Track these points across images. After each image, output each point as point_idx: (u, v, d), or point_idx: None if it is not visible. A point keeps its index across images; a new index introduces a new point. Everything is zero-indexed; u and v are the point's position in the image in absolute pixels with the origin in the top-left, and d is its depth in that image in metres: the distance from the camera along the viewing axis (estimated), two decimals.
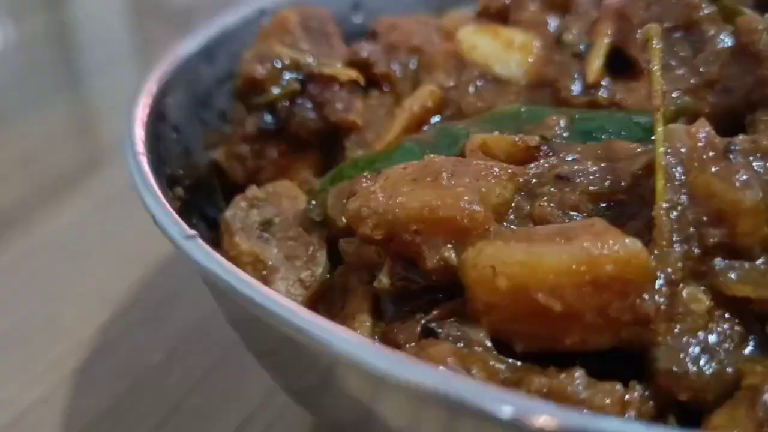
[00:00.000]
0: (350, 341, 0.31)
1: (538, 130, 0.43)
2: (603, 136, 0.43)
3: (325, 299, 0.45)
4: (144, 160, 0.40)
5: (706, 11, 0.46)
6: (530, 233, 0.36)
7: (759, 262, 0.34)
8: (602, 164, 0.39)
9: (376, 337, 0.40)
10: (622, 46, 0.48)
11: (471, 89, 0.51)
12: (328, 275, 0.46)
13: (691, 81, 0.45)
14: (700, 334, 0.33)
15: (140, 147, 0.41)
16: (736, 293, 0.33)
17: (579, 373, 0.32)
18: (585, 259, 0.32)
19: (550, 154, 0.41)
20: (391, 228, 0.37)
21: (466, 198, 0.36)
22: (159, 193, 0.37)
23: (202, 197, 0.52)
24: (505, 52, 0.51)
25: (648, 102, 0.44)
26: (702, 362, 0.32)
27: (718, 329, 0.33)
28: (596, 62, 0.48)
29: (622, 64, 0.48)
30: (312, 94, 0.53)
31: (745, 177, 0.34)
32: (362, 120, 0.52)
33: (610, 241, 0.32)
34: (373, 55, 0.55)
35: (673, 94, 0.45)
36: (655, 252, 0.33)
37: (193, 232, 0.35)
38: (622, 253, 0.32)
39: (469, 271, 0.35)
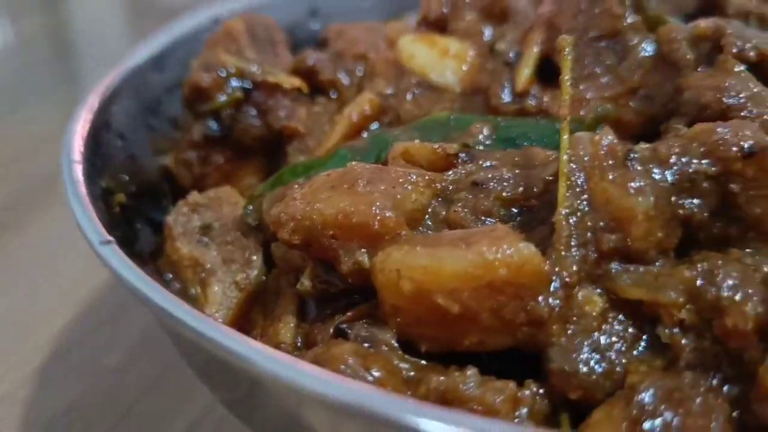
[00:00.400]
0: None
1: (463, 137, 0.45)
2: (525, 143, 0.44)
3: (259, 301, 0.47)
4: (78, 169, 0.42)
5: (629, 20, 0.47)
6: (437, 238, 0.37)
7: (653, 266, 0.35)
8: (517, 171, 0.41)
9: (299, 337, 0.41)
10: (550, 55, 0.49)
11: (409, 97, 0.53)
12: (264, 278, 0.48)
13: (614, 89, 0.47)
14: (594, 335, 0.34)
15: (77, 155, 0.43)
16: (629, 296, 0.35)
17: (471, 372, 0.34)
18: (481, 263, 0.34)
19: (468, 161, 0.42)
20: (309, 233, 0.39)
21: (378, 204, 0.38)
22: (87, 200, 0.39)
23: (150, 202, 0.53)
24: (441, 60, 0.52)
25: (575, 110, 0.45)
26: (593, 362, 0.34)
27: (612, 330, 0.35)
28: (525, 71, 0.49)
29: (552, 73, 0.50)
30: (256, 102, 0.54)
31: (639, 184, 0.36)
32: (304, 127, 0.53)
33: (505, 246, 0.34)
34: (318, 62, 0.56)
35: (598, 102, 0.47)
36: (553, 256, 0.35)
37: (109, 238, 0.36)
38: (515, 258, 0.33)
39: (378, 275, 0.36)
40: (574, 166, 0.37)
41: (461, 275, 0.34)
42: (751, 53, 0.43)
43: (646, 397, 0.31)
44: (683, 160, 0.36)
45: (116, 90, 0.52)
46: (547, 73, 0.50)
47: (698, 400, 0.32)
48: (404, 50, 0.54)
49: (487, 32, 0.53)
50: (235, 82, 0.54)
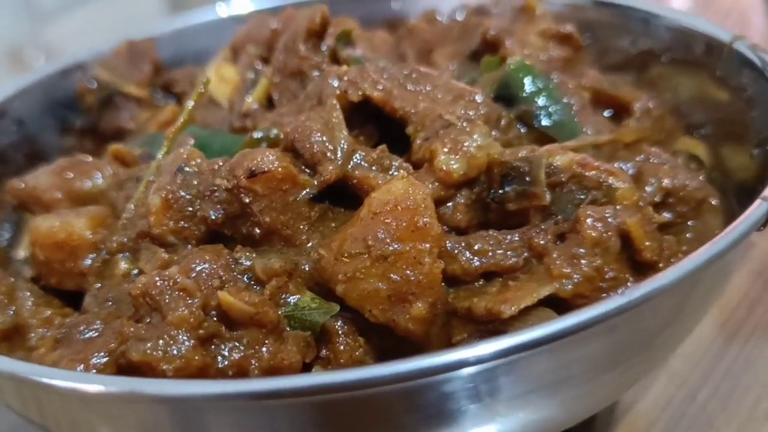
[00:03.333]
0: None
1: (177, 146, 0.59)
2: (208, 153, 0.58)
3: None
4: None
5: (312, 61, 0.58)
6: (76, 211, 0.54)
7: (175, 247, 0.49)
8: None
9: None
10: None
11: (199, 109, 0.68)
12: None
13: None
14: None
15: None
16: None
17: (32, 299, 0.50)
18: (51, 229, 0.50)
19: (145, 161, 0.57)
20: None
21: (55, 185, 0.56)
22: None
23: None
24: (218, 83, 0.67)
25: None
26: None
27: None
28: (248, 98, 0.62)
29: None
30: (115, 104, 0.73)
31: (161, 189, 0.49)
32: (136, 126, 0.71)
33: (68, 218, 0.50)
34: (168, 79, 0.74)
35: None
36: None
37: None
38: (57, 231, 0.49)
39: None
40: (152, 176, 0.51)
41: (46, 234, 0.50)
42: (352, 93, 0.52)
43: None
44: (211, 175, 0.49)
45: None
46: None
47: None
48: (209, 72, 0.69)
49: (258, 65, 0.66)
50: (102, 91, 0.74)
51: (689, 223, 0.54)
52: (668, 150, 0.60)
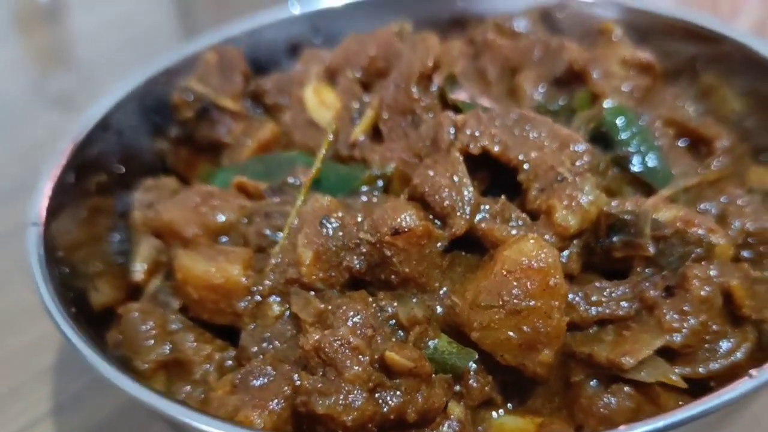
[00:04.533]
0: None
1: (286, 174, 0.64)
2: (323, 187, 0.63)
3: None
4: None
5: (423, 103, 0.63)
6: (219, 250, 0.59)
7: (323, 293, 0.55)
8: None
9: None
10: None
11: (300, 130, 0.72)
12: None
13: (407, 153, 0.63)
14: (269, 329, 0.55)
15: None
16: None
17: (192, 336, 0.56)
18: (209, 273, 0.55)
19: (271, 195, 0.62)
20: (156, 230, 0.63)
21: (190, 218, 0.61)
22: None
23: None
24: (319, 107, 0.71)
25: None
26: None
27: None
28: (356, 129, 0.67)
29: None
30: (209, 117, 0.77)
31: (315, 239, 0.54)
32: (233, 140, 0.75)
33: (227, 266, 0.55)
34: (257, 89, 0.78)
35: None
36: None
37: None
38: (221, 275, 0.55)
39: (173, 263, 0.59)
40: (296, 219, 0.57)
41: (200, 276, 0.56)
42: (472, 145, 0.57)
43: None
44: (355, 229, 0.54)
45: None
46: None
47: None
48: (304, 94, 0.73)
49: (357, 89, 0.70)
50: (198, 103, 0.77)
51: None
52: (743, 182, 0.66)
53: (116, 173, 0.77)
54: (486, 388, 0.54)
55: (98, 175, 0.75)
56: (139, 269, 0.66)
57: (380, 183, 0.62)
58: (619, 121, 0.63)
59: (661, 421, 0.45)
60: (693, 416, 0.46)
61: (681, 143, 0.68)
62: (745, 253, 0.60)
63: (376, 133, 0.67)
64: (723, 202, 0.61)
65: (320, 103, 0.71)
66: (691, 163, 0.65)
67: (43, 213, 0.64)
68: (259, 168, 0.67)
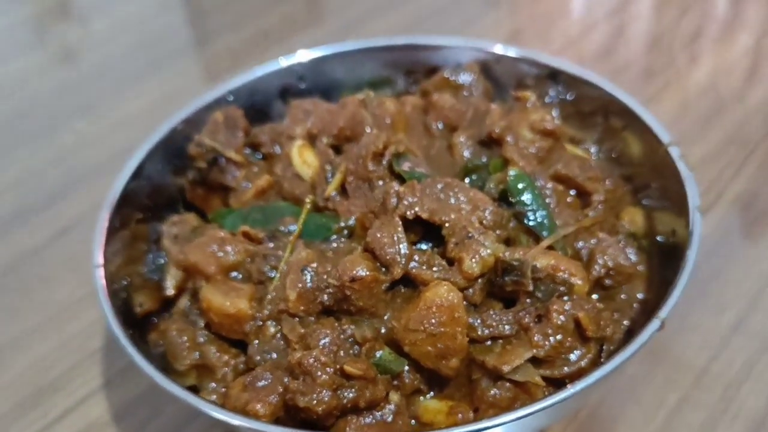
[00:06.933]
0: None
1: (277, 224, 0.88)
2: (306, 236, 0.87)
3: None
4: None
5: (377, 173, 0.86)
6: (232, 285, 0.83)
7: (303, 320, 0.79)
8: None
9: None
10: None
11: (288, 181, 0.95)
12: None
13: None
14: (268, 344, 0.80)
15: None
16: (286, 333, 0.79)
17: (214, 348, 0.81)
18: (224, 305, 0.80)
19: (267, 241, 0.86)
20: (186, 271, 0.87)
21: (208, 257, 0.85)
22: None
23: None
24: (302, 164, 0.94)
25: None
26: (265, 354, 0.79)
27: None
28: (330, 186, 0.90)
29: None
30: (219, 165, 1.00)
31: (298, 283, 0.79)
32: (237, 185, 0.98)
33: (236, 300, 0.80)
34: (254, 139, 1.01)
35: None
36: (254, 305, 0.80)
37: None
38: (230, 306, 0.79)
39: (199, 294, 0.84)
40: (285, 265, 0.81)
41: (219, 307, 0.80)
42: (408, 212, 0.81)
43: None
44: (325, 276, 0.78)
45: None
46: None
47: None
48: (291, 152, 0.96)
49: (330, 153, 0.93)
50: (209, 154, 1.00)
51: (623, 287, 0.85)
52: (615, 224, 0.90)
53: (148, 208, 1.01)
54: (415, 382, 0.79)
55: (136, 214, 0.99)
56: (169, 286, 0.91)
57: (346, 232, 0.86)
58: (520, 185, 0.86)
59: (532, 408, 0.70)
60: (553, 403, 0.71)
61: (571, 195, 0.91)
62: (607, 281, 0.85)
63: (344, 191, 0.91)
64: (592, 243, 0.85)
65: (303, 162, 0.94)
66: (573, 213, 0.88)
67: (101, 256, 0.87)
68: (259, 216, 0.91)
